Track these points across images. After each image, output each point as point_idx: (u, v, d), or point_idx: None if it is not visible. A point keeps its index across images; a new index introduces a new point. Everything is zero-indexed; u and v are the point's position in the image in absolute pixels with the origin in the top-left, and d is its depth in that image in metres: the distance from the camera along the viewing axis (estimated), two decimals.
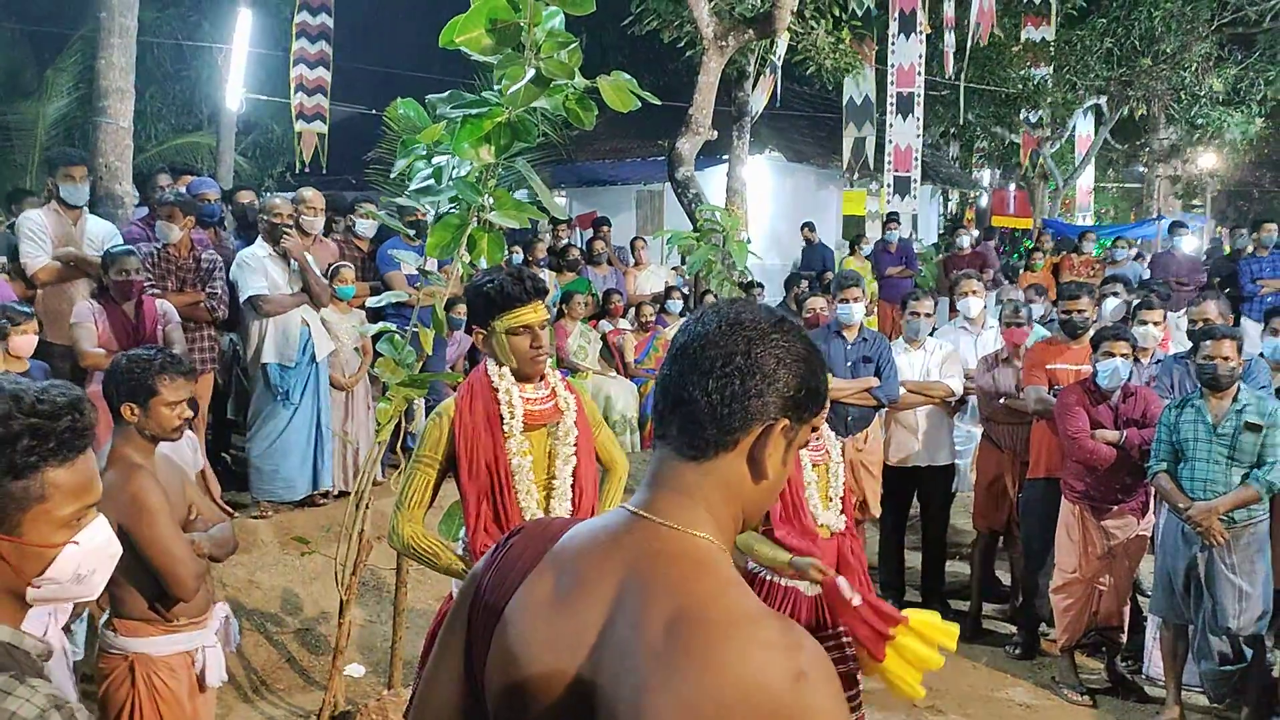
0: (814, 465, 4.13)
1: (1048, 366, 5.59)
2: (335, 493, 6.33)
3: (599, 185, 17.25)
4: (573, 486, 3.17)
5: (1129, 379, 5.10)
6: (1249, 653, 4.63)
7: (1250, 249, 10.24)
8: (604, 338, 8.79)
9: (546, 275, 8.71)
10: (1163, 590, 4.88)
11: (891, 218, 12.57)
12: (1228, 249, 12.56)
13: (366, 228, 7.37)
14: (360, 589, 4.91)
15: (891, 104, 14.41)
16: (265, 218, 6.22)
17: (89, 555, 1.62)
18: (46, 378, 4.31)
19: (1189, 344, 5.63)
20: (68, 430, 1.55)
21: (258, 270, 5.99)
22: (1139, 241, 15.27)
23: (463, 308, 7.07)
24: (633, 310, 9.27)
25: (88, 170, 5.93)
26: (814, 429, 3.91)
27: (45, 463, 1.53)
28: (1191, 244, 13.13)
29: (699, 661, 1.11)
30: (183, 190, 6.78)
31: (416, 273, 6.73)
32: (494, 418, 3.09)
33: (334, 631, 4.35)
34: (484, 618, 1.31)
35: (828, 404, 4.49)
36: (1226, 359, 4.61)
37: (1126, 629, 5.28)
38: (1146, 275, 10.68)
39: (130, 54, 7.24)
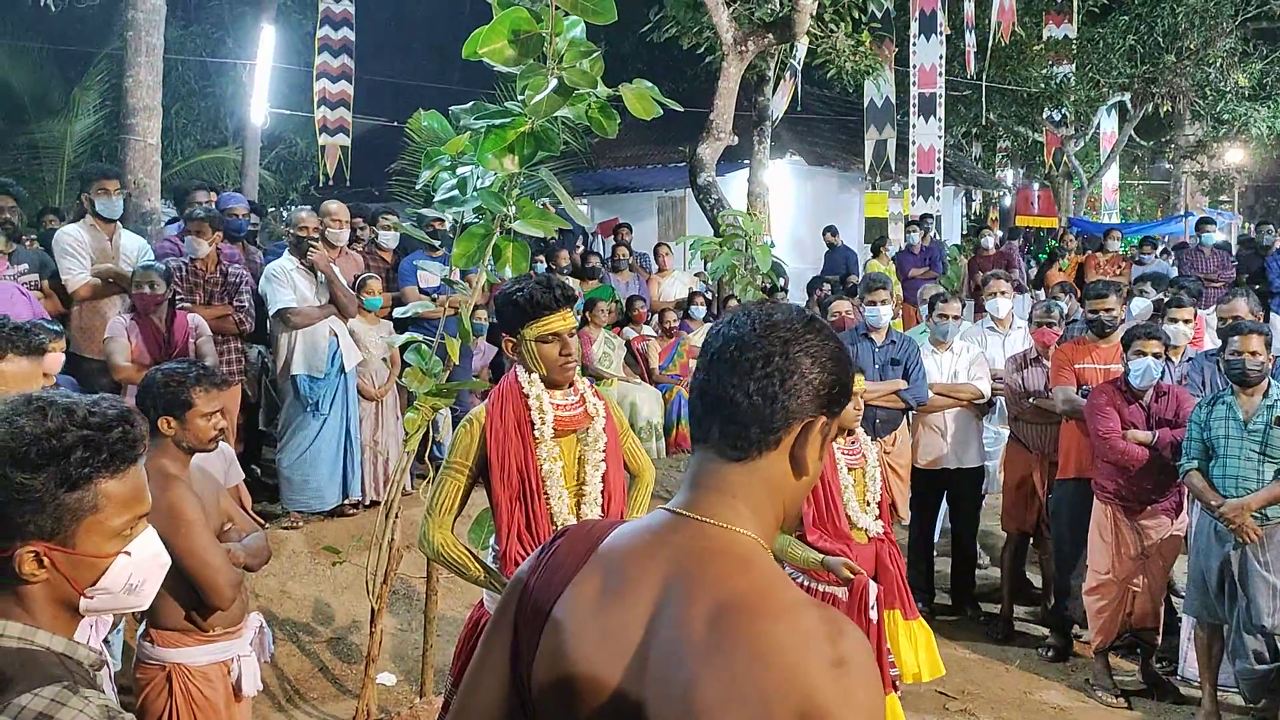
0: (850, 469, 4.13)
1: (1076, 366, 5.55)
2: (366, 503, 6.37)
3: (621, 192, 17.28)
4: (602, 492, 3.19)
5: (1161, 378, 5.06)
6: None
7: (1277, 245, 10.17)
8: (628, 344, 8.80)
9: (571, 283, 8.73)
10: (1196, 590, 4.83)
11: (921, 220, 12.53)
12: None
13: (389, 239, 7.47)
14: (391, 598, 4.93)
15: (914, 105, 14.36)
16: (291, 231, 6.30)
17: (140, 565, 1.65)
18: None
19: (1220, 341, 5.58)
20: (119, 441, 1.57)
21: (285, 283, 6.05)
22: (1165, 239, 15.12)
23: (482, 313, 7.12)
24: (656, 316, 9.27)
25: (120, 184, 6.00)
26: (849, 431, 3.92)
27: (98, 474, 1.55)
28: (1220, 240, 13.00)
29: (742, 651, 1.13)
30: (213, 206, 6.87)
31: (441, 283, 6.79)
32: (524, 424, 3.11)
33: (366, 640, 4.38)
34: (532, 617, 1.33)
35: (863, 405, 4.46)
36: (1254, 354, 4.57)
37: (1161, 630, 5.24)
38: (1175, 274, 10.61)
39: (157, 72, 7.33)
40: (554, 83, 3.42)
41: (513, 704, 1.34)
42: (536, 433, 3.10)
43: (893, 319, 6.42)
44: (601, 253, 11.26)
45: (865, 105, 14.98)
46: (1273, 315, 9.02)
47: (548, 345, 3.11)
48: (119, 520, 1.59)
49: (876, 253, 12.40)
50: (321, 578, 5.69)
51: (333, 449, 6.13)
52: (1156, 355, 4.98)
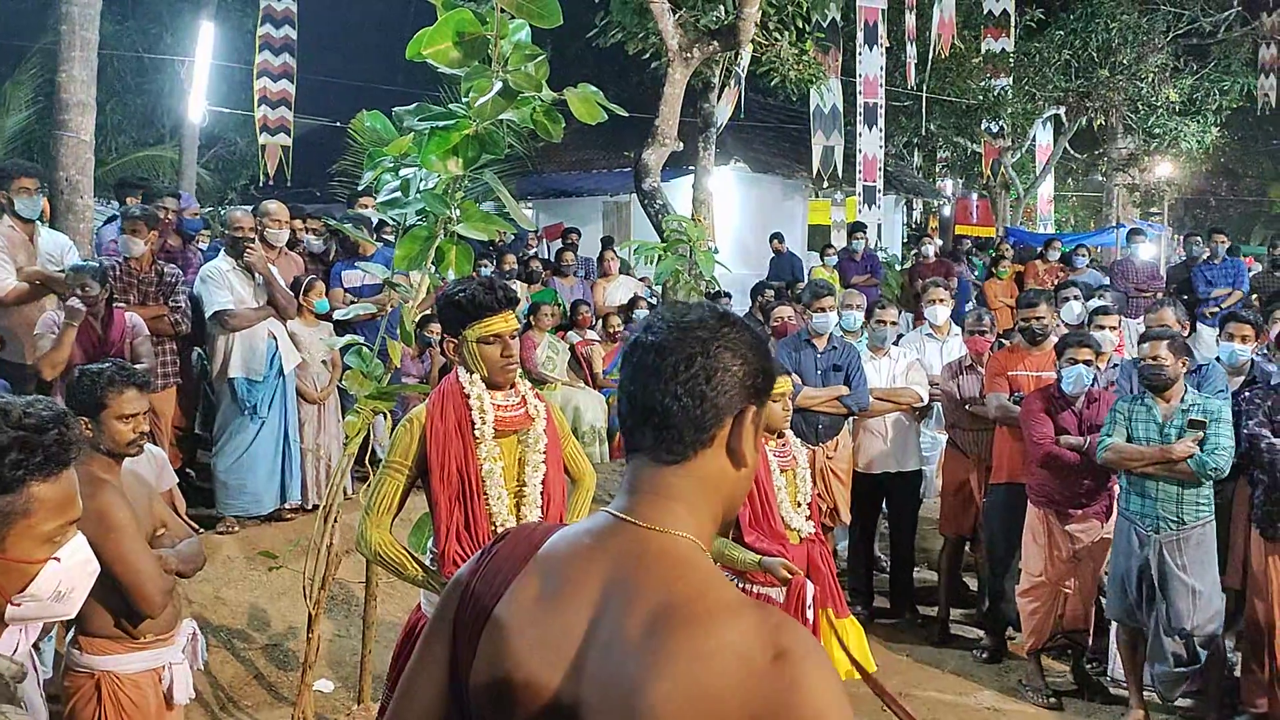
0: (782, 470, 4.21)
1: (1009, 373, 5.67)
2: (309, 507, 6.28)
3: (566, 197, 17.27)
4: (542, 494, 3.19)
5: (1092, 384, 5.18)
6: (1203, 654, 4.68)
7: (1205, 256, 10.49)
8: (572, 349, 8.79)
9: (516, 286, 8.71)
10: (1117, 593, 4.94)
11: (858, 227, 12.69)
12: (1183, 255, 12.81)
13: (316, 244, 7.43)
14: (329, 603, 4.87)
15: (860, 115, 14.54)
16: (227, 231, 6.20)
17: (69, 572, 1.60)
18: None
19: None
20: (54, 444, 1.54)
21: (222, 285, 5.94)
22: (1098, 250, 15.48)
23: (436, 326, 7.08)
24: (600, 321, 9.28)
25: (40, 182, 5.82)
26: (779, 434, 3.94)
27: (31, 477, 1.51)
28: (1149, 251, 13.37)
29: (684, 653, 1.14)
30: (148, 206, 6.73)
31: (363, 284, 6.75)
32: (465, 423, 3.11)
33: (302, 647, 4.32)
34: (471, 620, 1.32)
35: (791, 407, 4.48)
36: (1157, 358, 4.69)
37: (1092, 631, 5.35)
38: (1106, 281, 10.87)
39: (91, 67, 7.17)
40: (499, 85, 3.42)
41: (450, 706, 1.33)
42: (477, 433, 3.10)
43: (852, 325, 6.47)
44: (545, 256, 11.26)
45: (811, 111, 15.09)
46: (1200, 325, 9.28)
47: (489, 346, 3.12)
48: (50, 525, 1.55)
49: (822, 259, 12.52)
50: (257, 583, 5.59)
51: (270, 452, 6.04)
52: (1088, 363, 5.11)
